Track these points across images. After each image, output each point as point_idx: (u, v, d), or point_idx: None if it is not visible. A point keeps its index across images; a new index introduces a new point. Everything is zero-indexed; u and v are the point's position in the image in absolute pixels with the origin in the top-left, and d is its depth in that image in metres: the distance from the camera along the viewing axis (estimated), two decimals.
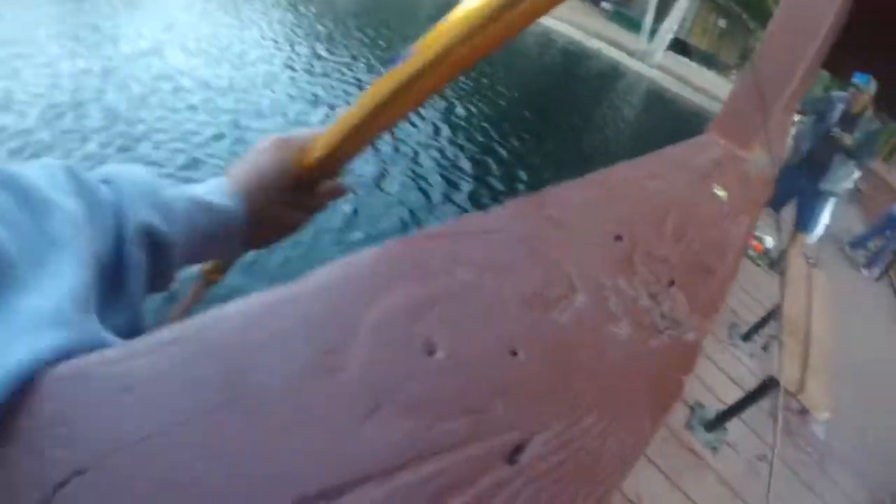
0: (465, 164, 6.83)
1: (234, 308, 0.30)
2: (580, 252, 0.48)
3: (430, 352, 0.31)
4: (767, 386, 2.28)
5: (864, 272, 6.21)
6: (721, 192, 0.85)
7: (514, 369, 0.34)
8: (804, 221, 4.44)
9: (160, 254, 0.35)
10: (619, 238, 0.55)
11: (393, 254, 0.37)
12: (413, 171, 6.18)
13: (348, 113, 0.43)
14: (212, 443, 0.23)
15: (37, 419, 0.23)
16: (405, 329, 0.31)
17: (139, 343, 0.27)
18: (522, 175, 7.19)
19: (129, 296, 0.33)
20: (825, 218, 4.39)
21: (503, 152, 7.53)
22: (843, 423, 2.83)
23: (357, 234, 4.76)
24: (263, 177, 0.44)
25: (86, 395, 0.24)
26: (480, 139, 7.78)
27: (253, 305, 0.30)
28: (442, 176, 6.42)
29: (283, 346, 0.28)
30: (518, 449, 0.30)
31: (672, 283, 0.53)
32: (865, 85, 3.86)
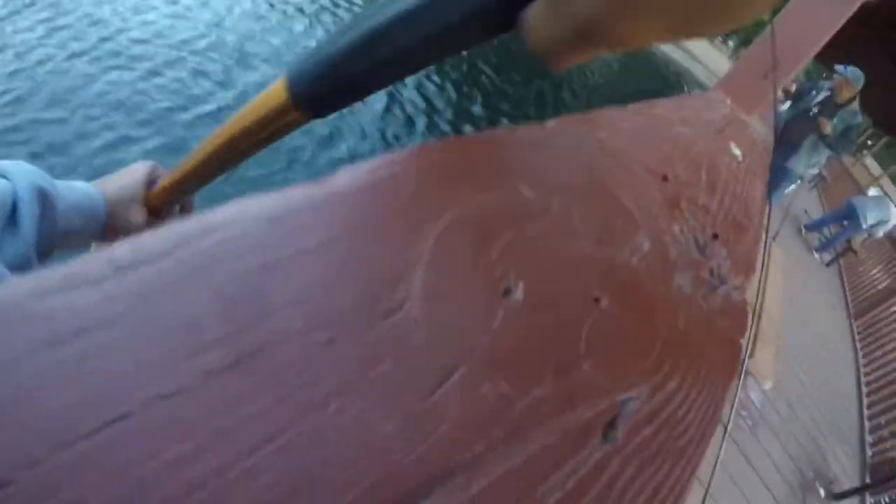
0: (448, 93, 6.44)
1: (245, 210, 0.20)
2: (634, 186, 0.41)
3: (506, 291, 0.22)
4: None
5: (816, 256, 6.56)
6: (736, 151, 0.80)
7: (599, 321, 0.26)
8: (769, 195, 4.52)
9: (47, 209, 0.44)
10: (665, 178, 0.47)
11: (445, 153, 0.27)
12: (393, 97, 5.73)
13: (188, 157, 0.47)
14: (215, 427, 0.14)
15: None
16: (476, 255, 0.22)
17: (80, 266, 0.17)
18: (504, 107, 6.89)
19: (22, 238, 0.40)
20: (782, 195, 4.49)
21: (486, 82, 7.15)
22: (778, 395, 3.07)
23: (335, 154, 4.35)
24: (122, 190, 0.54)
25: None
26: (462, 69, 7.32)
27: (272, 207, 0.20)
28: (424, 104, 6.03)
29: (322, 268, 0.19)
30: (611, 423, 0.22)
31: (715, 236, 0.47)
32: (852, 76, 3.80)
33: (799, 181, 4.52)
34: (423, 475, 0.15)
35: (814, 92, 4.16)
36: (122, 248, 0.18)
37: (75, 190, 0.50)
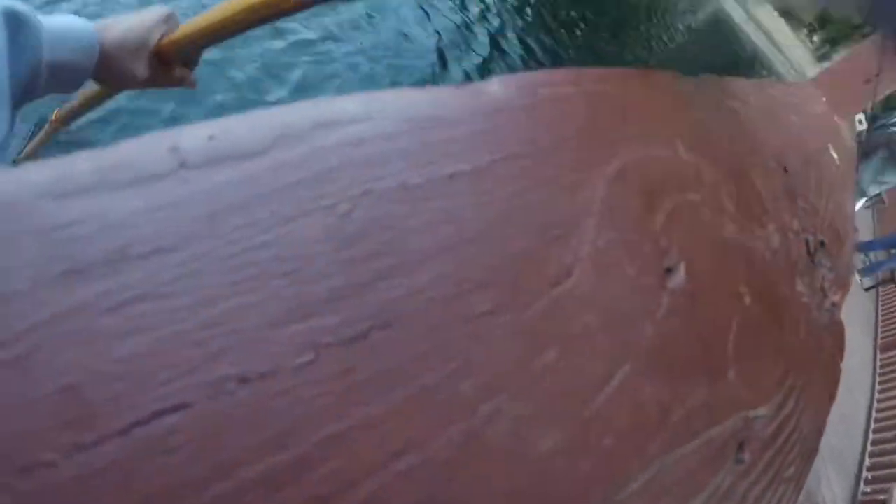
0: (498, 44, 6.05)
1: (360, 102, 0.15)
2: (764, 172, 0.35)
3: (668, 271, 0.18)
4: None
5: (857, 278, 6.39)
6: (835, 154, 0.72)
7: (745, 318, 0.21)
8: None
9: (24, 33, 0.38)
10: (786, 170, 0.41)
11: (601, 89, 0.21)
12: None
13: (206, 14, 0.47)
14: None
15: None
16: (642, 223, 0.18)
17: (125, 152, 0.11)
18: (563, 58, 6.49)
19: None
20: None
21: (533, 43, 6.72)
22: None
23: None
24: (129, 32, 0.47)
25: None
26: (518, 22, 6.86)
27: (411, 108, 0.15)
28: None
29: (475, 213, 0.14)
30: (742, 442, 0.19)
31: (823, 244, 0.41)
32: None
33: (861, 198, 4.35)
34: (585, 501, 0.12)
35: (894, 117, 3.97)
36: (192, 134, 0.12)
37: (60, 21, 0.43)
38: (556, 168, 0.16)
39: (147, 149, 0.11)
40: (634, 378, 0.14)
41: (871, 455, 3.61)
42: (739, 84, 0.42)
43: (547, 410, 0.12)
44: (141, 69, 0.48)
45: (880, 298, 6.32)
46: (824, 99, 1.06)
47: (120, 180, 0.11)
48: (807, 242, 0.39)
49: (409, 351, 0.12)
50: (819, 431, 0.27)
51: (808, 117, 0.69)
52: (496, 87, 0.17)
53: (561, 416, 0.12)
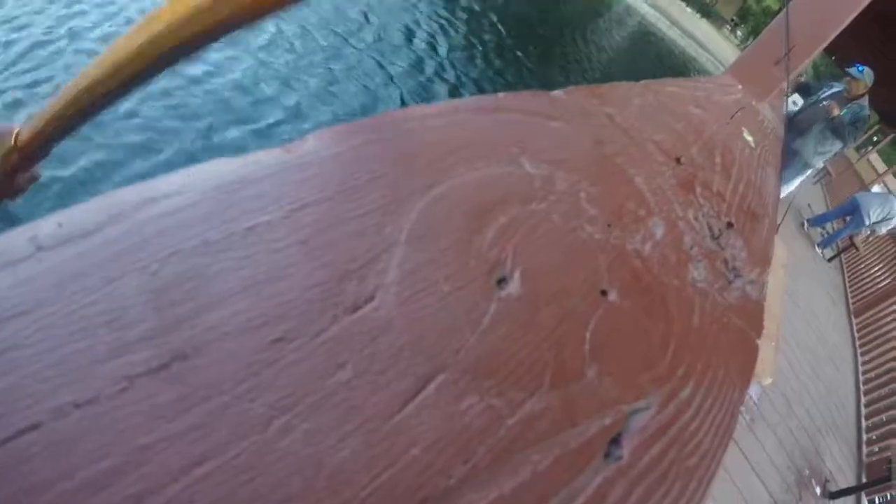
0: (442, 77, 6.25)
1: (178, 179, 0.17)
2: (646, 167, 0.37)
3: (501, 280, 0.19)
4: None
5: (818, 251, 6.57)
6: (749, 137, 0.76)
7: (606, 315, 0.22)
8: None
9: None
10: (678, 161, 0.43)
11: (442, 119, 0.23)
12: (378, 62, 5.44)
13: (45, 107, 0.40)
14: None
15: None
16: (467, 236, 0.19)
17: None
18: (508, 79, 6.73)
19: None
20: (793, 184, 4.56)
21: (482, 65, 6.95)
22: (775, 390, 3.05)
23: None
24: None
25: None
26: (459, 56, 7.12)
27: (220, 176, 0.16)
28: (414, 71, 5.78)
29: (273, 256, 0.15)
30: (616, 439, 0.19)
31: (730, 224, 0.44)
32: (867, 75, 3.88)
33: (807, 170, 4.57)
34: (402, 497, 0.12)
35: (825, 88, 4.26)
36: (47, 224, 0.16)
37: None
38: (362, 206, 0.17)
39: (12, 240, 0.15)
40: (452, 388, 0.15)
41: (867, 416, 3.62)
42: (621, 89, 0.45)
43: (343, 424, 0.13)
44: None
45: (845, 266, 6.49)
46: (740, 87, 1.12)
47: None
48: (709, 227, 0.41)
49: (206, 377, 0.13)
50: (732, 412, 0.28)
51: (714, 107, 0.73)
52: (310, 141, 0.19)
53: (358, 429, 0.13)
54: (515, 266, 0.20)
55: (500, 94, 0.29)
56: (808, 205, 7.46)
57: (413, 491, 0.13)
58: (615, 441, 0.20)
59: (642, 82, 0.52)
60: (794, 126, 4.27)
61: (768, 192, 0.64)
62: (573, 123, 0.32)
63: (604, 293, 0.23)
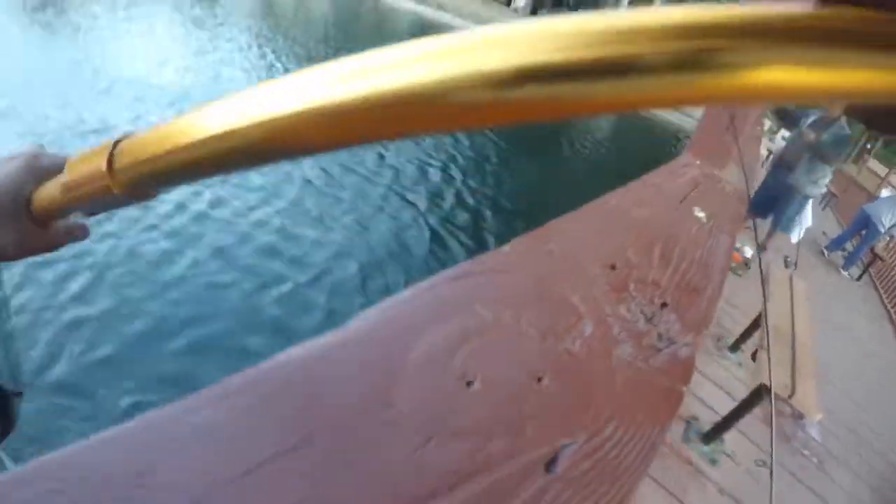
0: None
1: (292, 355, 0.35)
2: (581, 283, 0.54)
3: (468, 382, 0.36)
4: (759, 394, 2.35)
5: (845, 273, 6.42)
6: (701, 214, 0.93)
7: (541, 394, 0.39)
8: (779, 220, 4.75)
9: None
10: (613, 267, 0.61)
11: (422, 297, 0.42)
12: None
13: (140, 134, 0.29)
14: (288, 481, 0.28)
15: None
16: (444, 365, 0.37)
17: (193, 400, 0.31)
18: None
19: None
20: (807, 220, 4.69)
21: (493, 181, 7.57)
22: (836, 423, 2.91)
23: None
24: None
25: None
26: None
27: (310, 351, 0.35)
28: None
29: (344, 388, 0.33)
30: (553, 461, 0.35)
31: (664, 304, 0.59)
32: None
33: (808, 201, 4.72)
34: (412, 498, 0.29)
35: (804, 117, 4.52)
36: None
37: None
38: (377, 360, 0.35)
39: None
40: (444, 441, 0.32)
41: None
42: (563, 221, 0.64)
43: (380, 462, 0.30)
44: (11, 237, 0.35)
45: (876, 280, 6.22)
46: (698, 162, 1.31)
47: None
48: (642, 313, 0.57)
49: None
50: (653, 441, 0.42)
51: (662, 199, 0.91)
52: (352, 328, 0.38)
53: (387, 464, 0.30)
54: (477, 373, 0.37)
55: (466, 262, 0.48)
56: (823, 232, 7.32)
57: (426, 489, 0.29)
58: (553, 461, 0.35)
59: (587, 205, 0.70)
60: (785, 163, 4.53)
61: (717, 259, 0.80)
62: (517, 269, 0.51)
63: (539, 379, 0.40)
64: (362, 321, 0.37)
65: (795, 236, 4.92)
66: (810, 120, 4.45)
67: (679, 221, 0.86)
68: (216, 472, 0.28)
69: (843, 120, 4.33)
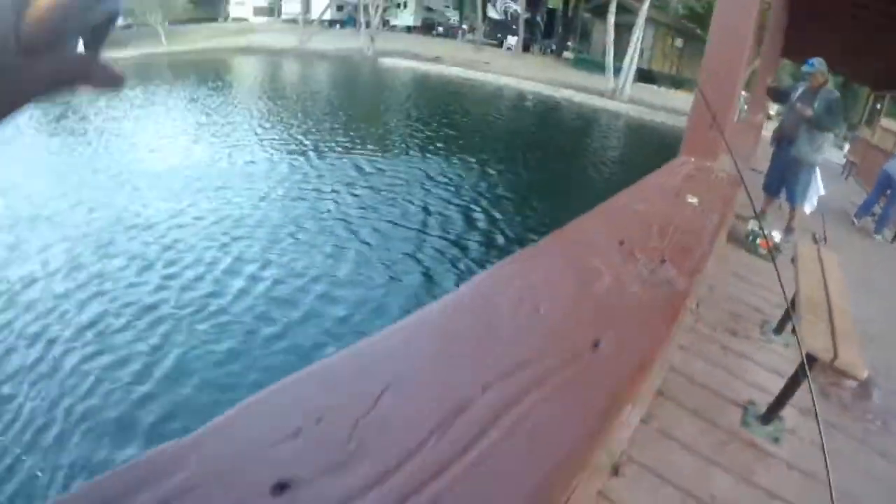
0: (471, 223, 7.27)
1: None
2: (598, 254, 0.80)
3: (596, 343, 0.62)
4: (804, 366, 2.45)
5: (878, 237, 6.34)
6: (692, 200, 1.17)
7: (580, 315, 0.64)
8: (792, 194, 4.95)
9: None
10: (622, 243, 0.86)
11: (502, 271, 0.68)
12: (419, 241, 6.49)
13: None
14: None
15: None
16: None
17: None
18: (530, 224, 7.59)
19: None
20: (818, 189, 4.87)
21: (496, 213, 8.00)
22: (892, 380, 2.95)
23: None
24: None
25: None
26: (472, 204, 8.31)
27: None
28: (448, 237, 6.81)
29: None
30: (595, 344, 0.60)
31: (663, 260, 0.84)
32: (818, 66, 4.57)
33: (815, 169, 4.84)
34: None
35: (794, 91, 4.82)
36: None
37: None
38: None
39: None
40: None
41: None
42: (581, 221, 0.89)
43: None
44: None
45: None
46: (693, 160, 1.56)
47: None
48: (647, 267, 0.82)
49: None
50: (656, 343, 0.67)
51: (660, 192, 1.16)
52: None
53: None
54: (539, 304, 0.63)
55: (522, 251, 0.75)
56: (851, 202, 7.28)
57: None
58: (595, 343, 0.60)
59: (598, 207, 0.96)
60: (785, 138, 4.81)
61: (705, 230, 1.04)
62: (553, 254, 0.76)
63: (572, 310, 0.65)
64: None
65: (809, 207, 5.09)
66: (799, 92, 4.71)
67: (674, 209, 1.11)
68: None
69: (831, 85, 4.57)
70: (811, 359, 2.45)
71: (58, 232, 6.71)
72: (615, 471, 2.05)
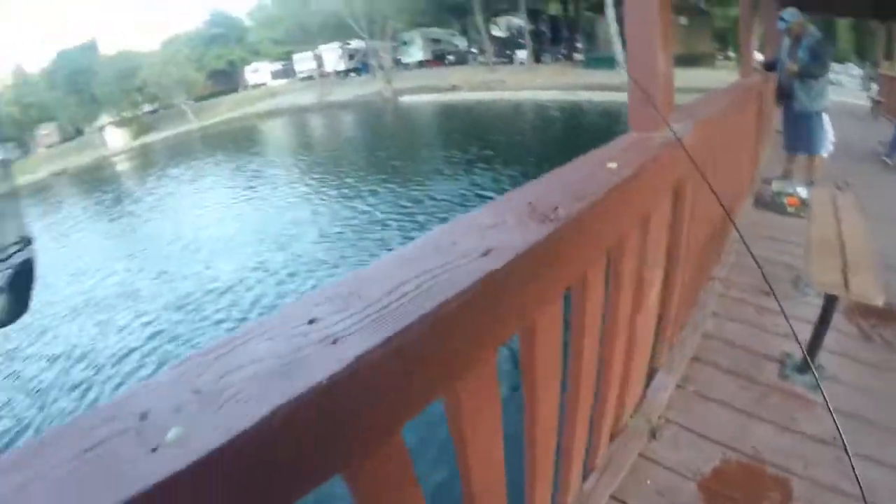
0: None
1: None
2: (511, 209, 1.05)
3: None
4: (828, 305, 2.46)
5: None
6: (612, 164, 1.35)
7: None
8: (806, 145, 4.99)
9: None
10: (531, 204, 1.10)
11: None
12: None
13: None
14: None
15: None
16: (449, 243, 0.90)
17: None
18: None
19: None
20: (829, 134, 4.90)
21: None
22: None
23: None
24: None
25: None
26: None
27: None
28: None
29: None
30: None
31: (556, 208, 1.05)
32: (789, 16, 4.74)
33: (823, 115, 4.88)
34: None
35: (781, 49, 5.04)
36: None
37: None
38: None
39: None
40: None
41: None
42: (533, 184, 1.14)
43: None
44: None
45: None
46: (635, 133, 1.73)
47: None
48: (547, 216, 1.06)
49: None
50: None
51: (594, 168, 1.35)
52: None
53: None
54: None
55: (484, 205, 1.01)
56: (879, 141, 6.91)
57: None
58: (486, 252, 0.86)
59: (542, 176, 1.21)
60: (785, 95, 5.04)
61: (606, 184, 1.18)
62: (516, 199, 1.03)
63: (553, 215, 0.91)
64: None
65: (825, 152, 5.07)
66: (785, 49, 4.90)
67: (593, 173, 1.27)
68: None
69: (812, 30, 4.69)
70: (831, 299, 2.47)
71: (145, 304, 7.26)
72: (653, 434, 2.11)
